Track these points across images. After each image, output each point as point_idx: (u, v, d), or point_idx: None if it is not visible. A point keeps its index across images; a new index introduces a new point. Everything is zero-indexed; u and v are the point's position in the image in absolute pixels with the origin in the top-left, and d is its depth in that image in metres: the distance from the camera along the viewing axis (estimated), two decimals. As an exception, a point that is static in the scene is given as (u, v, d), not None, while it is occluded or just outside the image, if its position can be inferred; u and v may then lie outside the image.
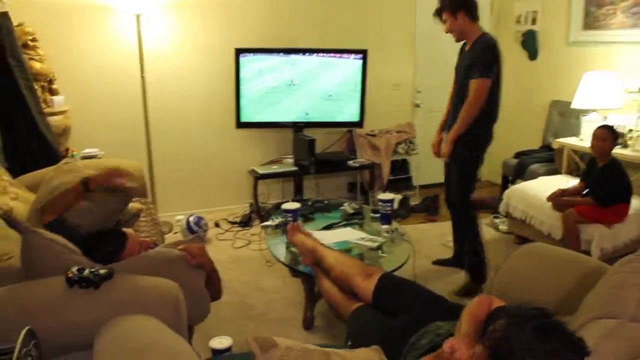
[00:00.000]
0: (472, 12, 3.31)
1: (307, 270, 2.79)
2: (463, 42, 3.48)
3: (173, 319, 1.90)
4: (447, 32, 3.40)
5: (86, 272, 1.88)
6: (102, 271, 1.90)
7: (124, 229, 2.45)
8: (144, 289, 1.97)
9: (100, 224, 2.67)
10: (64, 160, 3.25)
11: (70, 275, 1.87)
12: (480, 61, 3.24)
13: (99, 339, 1.64)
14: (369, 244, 3.02)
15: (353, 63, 4.89)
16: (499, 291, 2.10)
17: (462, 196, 3.52)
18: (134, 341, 1.58)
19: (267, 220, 3.56)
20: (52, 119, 3.98)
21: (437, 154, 3.69)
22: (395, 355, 1.79)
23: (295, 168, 4.80)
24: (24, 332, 1.59)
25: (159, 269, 2.12)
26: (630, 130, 4.21)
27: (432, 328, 1.81)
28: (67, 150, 4.21)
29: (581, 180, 3.82)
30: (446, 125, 3.59)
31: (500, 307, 1.66)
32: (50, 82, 4.21)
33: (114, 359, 1.51)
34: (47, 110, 3.99)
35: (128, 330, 1.67)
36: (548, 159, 4.79)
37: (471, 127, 3.36)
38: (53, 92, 4.22)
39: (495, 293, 2.06)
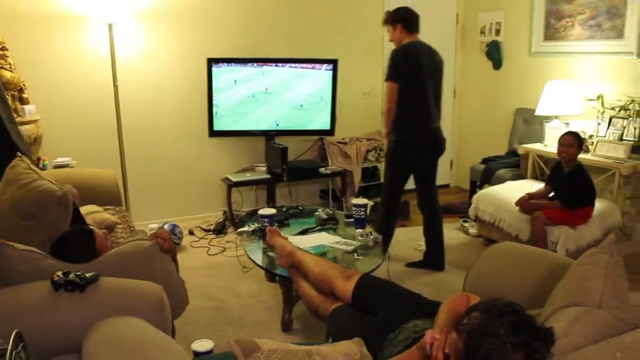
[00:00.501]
0: (408, 26, 3.73)
1: (285, 273, 2.85)
2: None
3: (158, 320, 1.94)
4: (390, 41, 3.82)
5: (72, 275, 1.91)
6: (87, 274, 1.93)
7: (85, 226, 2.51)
8: (129, 292, 2.01)
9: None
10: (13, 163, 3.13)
11: (56, 278, 1.89)
12: (388, 66, 3.68)
13: (88, 341, 1.66)
14: (344, 247, 3.09)
15: (323, 72, 4.98)
16: (471, 288, 2.21)
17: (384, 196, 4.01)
18: (124, 341, 1.61)
19: (241, 227, 3.60)
20: (23, 128, 3.94)
21: None
22: (374, 351, 1.86)
23: (268, 176, 4.86)
24: (13, 334, 1.62)
25: (136, 262, 2.18)
26: (591, 136, 4.41)
27: (410, 325, 1.89)
28: (38, 159, 4.19)
29: (546, 185, 3.97)
30: None
31: (475, 304, 1.75)
32: (21, 90, 4.19)
33: (107, 358, 1.54)
34: (17, 119, 3.95)
35: (117, 331, 1.70)
36: (514, 164, 4.95)
37: (392, 131, 3.78)
38: (24, 101, 4.20)
39: (468, 290, 2.17)
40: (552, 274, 1.93)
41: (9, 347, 1.55)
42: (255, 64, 4.85)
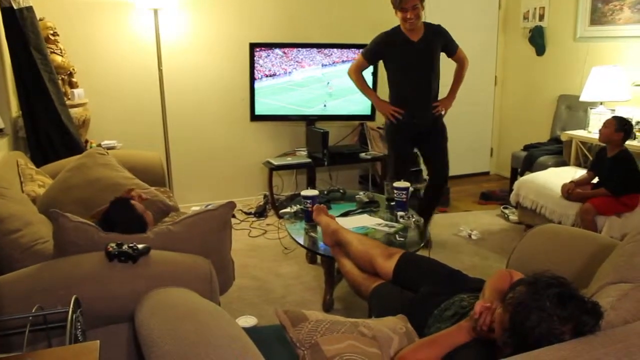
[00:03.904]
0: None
1: (327, 252, 2.89)
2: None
3: (207, 293, 2.01)
4: (415, 19, 3.62)
5: (125, 247, 1.99)
6: (140, 246, 2.01)
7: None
8: (179, 264, 2.08)
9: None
10: (95, 149, 3.35)
11: (110, 249, 1.98)
12: (453, 39, 3.85)
13: (140, 309, 1.73)
14: (386, 229, 3.11)
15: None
16: (514, 268, 2.20)
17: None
18: (176, 309, 1.67)
19: (282, 210, 3.65)
20: (72, 111, 4.08)
21: None
22: (419, 326, 1.88)
23: (309, 160, 4.89)
24: (73, 299, 1.70)
25: (187, 238, 2.24)
26: (638, 122, 4.30)
27: (456, 300, 1.90)
28: (86, 141, 4.32)
29: (589, 170, 3.91)
30: None
31: (520, 279, 1.75)
32: (71, 75, 4.32)
33: (160, 325, 1.60)
34: (67, 102, 4.09)
35: (168, 299, 1.76)
36: (556, 151, 4.87)
37: None
38: (73, 85, 4.33)
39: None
40: (597, 254, 1.92)
41: (70, 311, 1.64)
42: (298, 49, 4.88)
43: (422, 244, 2.99)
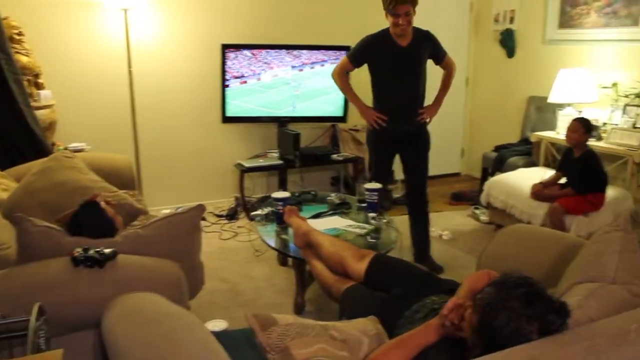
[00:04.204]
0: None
1: (298, 254, 2.88)
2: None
3: (176, 297, 1.97)
4: (407, 26, 3.47)
5: (91, 251, 1.95)
6: (107, 250, 1.97)
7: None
8: (147, 268, 2.05)
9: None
10: (61, 152, 3.29)
11: (76, 254, 1.94)
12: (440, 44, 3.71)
13: (107, 315, 1.69)
14: (358, 230, 3.11)
15: (338, 59, 4.98)
16: (485, 269, 2.22)
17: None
18: (143, 315, 1.63)
19: (253, 212, 3.63)
20: (38, 113, 3.99)
21: None
22: (391, 328, 1.88)
23: (280, 162, 4.88)
24: (36, 306, 1.65)
25: (156, 242, 2.20)
26: (604, 124, 4.39)
27: (428, 302, 1.90)
28: (53, 144, 4.23)
29: (557, 171, 3.97)
30: None
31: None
32: (37, 76, 4.22)
33: (127, 331, 1.57)
34: (33, 104, 4.00)
35: (136, 305, 1.73)
36: (526, 152, 4.94)
37: None
38: (39, 87, 4.23)
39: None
40: (566, 253, 1.94)
41: (32, 320, 1.59)
42: (268, 51, 4.86)
43: (393, 247, 2.99)
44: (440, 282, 2.11)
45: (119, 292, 1.80)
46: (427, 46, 3.61)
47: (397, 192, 5.39)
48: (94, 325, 1.86)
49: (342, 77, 3.79)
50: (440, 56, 3.71)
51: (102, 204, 2.54)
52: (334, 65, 5.00)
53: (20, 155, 3.71)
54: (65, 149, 3.92)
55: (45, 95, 4.17)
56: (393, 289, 2.09)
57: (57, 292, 1.88)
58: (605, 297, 1.43)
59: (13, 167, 3.50)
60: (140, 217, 3.06)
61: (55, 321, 1.79)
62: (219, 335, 2.22)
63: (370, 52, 3.62)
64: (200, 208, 2.37)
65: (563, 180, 3.90)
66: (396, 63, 3.57)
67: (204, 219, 4.79)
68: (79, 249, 1.95)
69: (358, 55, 3.69)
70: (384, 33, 3.59)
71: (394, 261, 2.35)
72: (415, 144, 3.76)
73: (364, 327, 1.77)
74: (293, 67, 4.95)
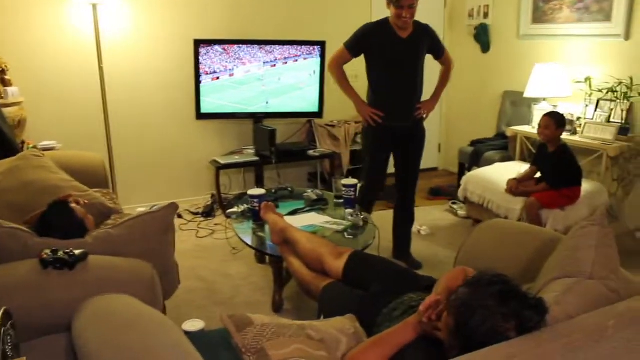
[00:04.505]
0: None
1: (276, 253, 2.85)
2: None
3: (149, 299, 1.94)
4: (410, 18, 3.38)
5: (60, 253, 1.89)
6: (77, 252, 1.91)
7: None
8: (119, 269, 2.00)
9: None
10: (29, 151, 3.20)
11: (45, 256, 1.88)
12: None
13: (78, 318, 1.64)
14: (335, 227, 3.09)
15: (312, 55, 4.95)
16: (463, 265, 2.21)
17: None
18: (115, 317, 1.59)
19: (229, 209, 3.58)
20: (6, 111, 3.89)
21: None
22: (369, 326, 1.86)
23: (256, 158, 4.83)
24: (1, 312, 1.59)
25: (127, 241, 2.15)
26: (579, 118, 4.43)
27: (406, 300, 1.88)
28: (22, 142, 4.12)
29: (532, 165, 4.00)
30: None
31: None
32: (3, 72, 4.12)
33: (98, 334, 1.52)
34: (0, 102, 3.90)
35: (107, 307, 1.68)
36: (502, 146, 4.97)
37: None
38: (6, 83, 4.12)
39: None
40: (543, 248, 1.94)
41: (-2, 325, 1.53)
42: (242, 46, 4.80)
43: (370, 243, 2.97)
44: (418, 279, 2.10)
45: (89, 294, 1.74)
46: (426, 39, 3.55)
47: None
48: (65, 328, 1.80)
49: (339, 70, 3.61)
50: (440, 51, 3.67)
51: (72, 204, 2.48)
52: (307, 61, 4.95)
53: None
54: (35, 147, 3.82)
55: (12, 92, 4.07)
56: (371, 287, 2.07)
57: (25, 295, 1.82)
58: (582, 293, 1.42)
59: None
60: (113, 216, 3.00)
61: (23, 325, 1.73)
62: (196, 336, 2.19)
63: (369, 40, 3.48)
64: (173, 207, 2.33)
65: (538, 175, 3.92)
66: (395, 55, 3.46)
67: (180, 216, 4.72)
68: (48, 251, 1.90)
69: (358, 43, 3.52)
70: (384, 22, 3.47)
71: (372, 258, 2.33)
72: (412, 141, 3.70)
73: (342, 325, 1.75)
74: (265, 62, 4.90)
